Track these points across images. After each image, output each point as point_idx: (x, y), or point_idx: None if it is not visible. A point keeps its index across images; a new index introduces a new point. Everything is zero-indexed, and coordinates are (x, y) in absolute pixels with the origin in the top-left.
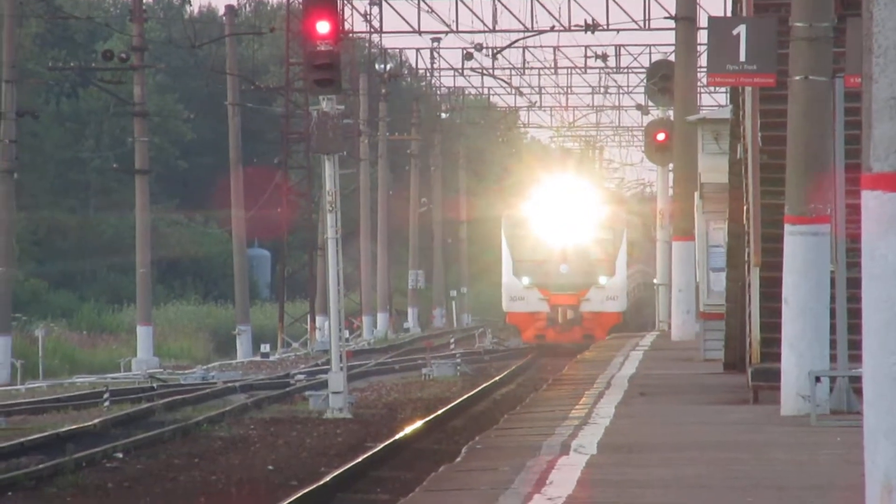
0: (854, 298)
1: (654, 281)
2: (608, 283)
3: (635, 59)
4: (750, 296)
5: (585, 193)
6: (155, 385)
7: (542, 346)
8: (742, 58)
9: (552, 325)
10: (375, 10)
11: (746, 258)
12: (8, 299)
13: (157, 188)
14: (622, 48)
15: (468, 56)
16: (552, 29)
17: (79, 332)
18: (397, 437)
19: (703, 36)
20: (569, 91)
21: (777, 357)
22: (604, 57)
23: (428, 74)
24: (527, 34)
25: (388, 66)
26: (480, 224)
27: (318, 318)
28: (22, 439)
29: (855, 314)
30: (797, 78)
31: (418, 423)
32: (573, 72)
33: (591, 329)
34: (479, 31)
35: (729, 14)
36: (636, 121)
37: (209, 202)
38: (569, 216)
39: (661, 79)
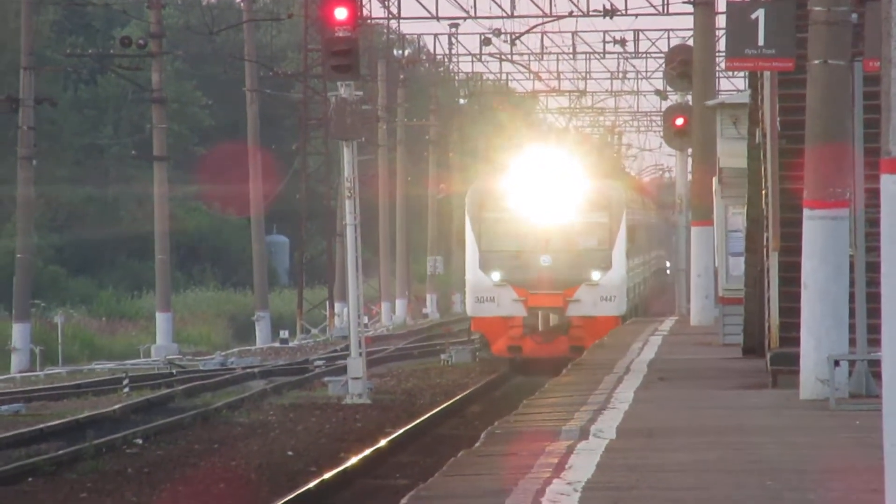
0: (873, 282)
1: (667, 264)
2: (603, 280)
3: (654, 43)
4: (769, 280)
5: (573, 164)
6: (174, 371)
7: (516, 362)
8: (760, 42)
9: (530, 333)
10: None
11: (765, 243)
12: (27, 286)
13: (176, 175)
14: (641, 33)
15: (486, 42)
16: (570, 14)
17: (98, 319)
18: (416, 422)
19: (721, 20)
20: (587, 76)
21: (796, 341)
22: (622, 42)
23: (446, 60)
24: (545, 19)
25: (407, 52)
26: None
27: (337, 305)
28: (42, 425)
29: (874, 298)
30: (816, 62)
31: (437, 409)
32: (591, 57)
33: (580, 338)
34: (498, 17)
35: None
36: (655, 106)
37: (227, 189)
38: (552, 193)
39: (680, 63)
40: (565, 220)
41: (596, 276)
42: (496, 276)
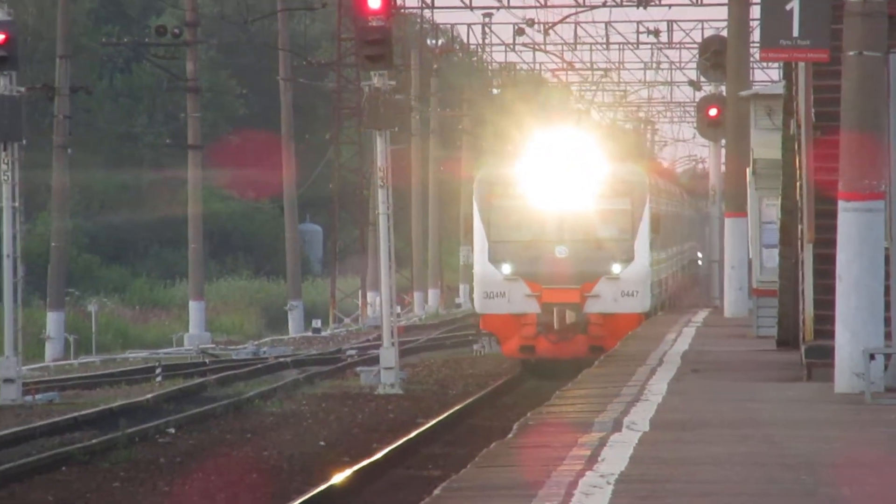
0: None
1: (699, 255)
2: (624, 273)
3: (687, 34)
4: (803, 272)
5: (591, 145)
6: (207, 360)
7: (529, 364)
8: (795, 33)
9: (544, 332)
10: None
11: (800, 234)
12: (62, 274)
13: (210, 164)
14: (674, 23)
15: (520, 31)
16: (604, 4)
17: (131, 308)
18: (449, 413)
19: (755, 11)
20: (621, 67)
21: (831, 334)
22: (656, 32)
23: (479, 50)
24: (579, 9)
25: (440, 42)
26: None
27: (370, 294)
28: (75, 414)
29: None
30: (851, 53)
31: (469, 399)
32: (625, 47)
33: (599, 338)
34: (531, 7)
35: None
36: (688, 96)
37: (261, 177)
38: (568, 177)
39: (714, 54)
40: (582, 207)
41: (617, 268)
42: (507, 269)
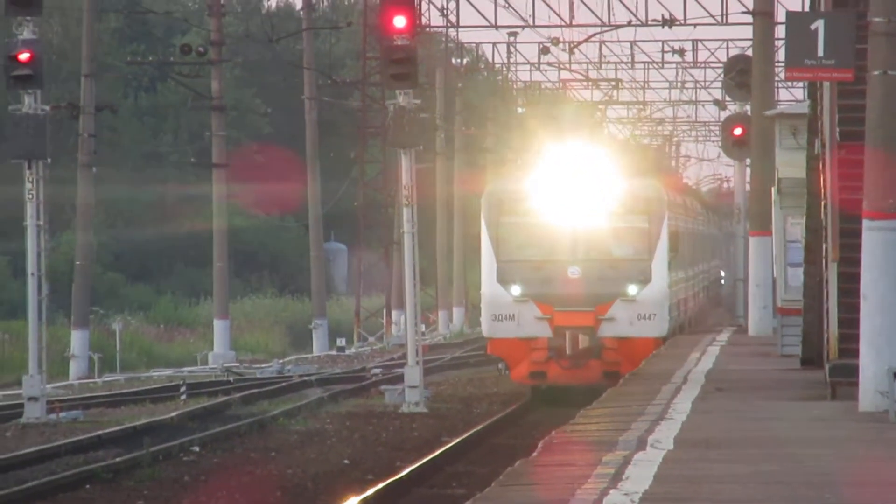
0: None
1: (721, 273)
2: (641, 295)
3: (712, 53)
4: (828, 291)
5: (606, 160)
6: (231, 379)
7: (539, 390)
8: (820, 52)
9: (556, 357)
10: (452, 4)
11: (824, 253)
12: (87, 293)
13: (235, 182)
14: (699, 43)
15: (545, 50)
16: (629, 23)
17: (156, 326)
18: (473, 431)
19: (780, 31)
20: (646, 86)
21: (855, 353)
22: (681, 52)
23: (504, 69)
24: (604, 28)
25: (465, 61)
26: None
27: (394, 313)
28: (99, 432)
29: None
30: (875, 73)
31: (494, 418)
32: (650, 66)
33: (614, 363)
34: (556, 26)
35: (807, 9)
36: (713, 116)
37: (286, 196)
38: (581, 193)
39: (739, 73)
40: (597, 225)
41: (633, 290)
42: (516, 290)
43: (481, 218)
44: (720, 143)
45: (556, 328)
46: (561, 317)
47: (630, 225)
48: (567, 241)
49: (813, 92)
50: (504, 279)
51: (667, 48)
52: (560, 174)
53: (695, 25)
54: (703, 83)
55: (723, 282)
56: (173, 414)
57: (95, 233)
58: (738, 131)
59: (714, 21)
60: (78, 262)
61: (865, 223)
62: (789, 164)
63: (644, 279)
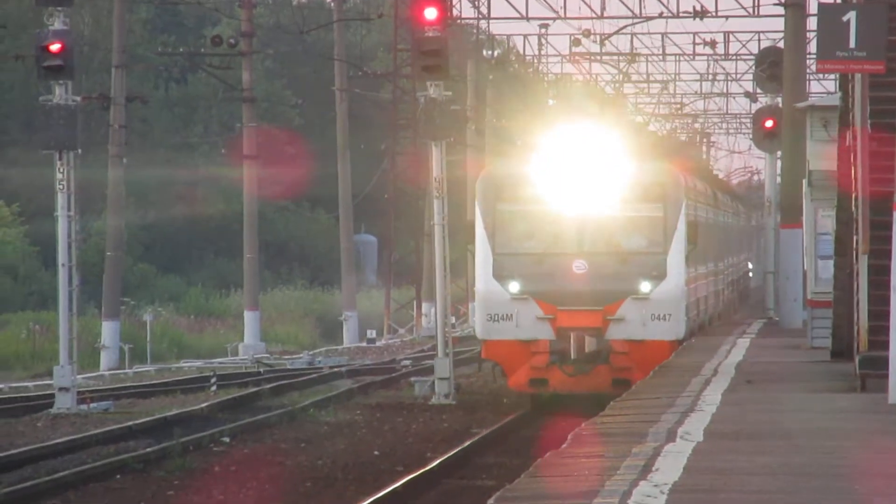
0: None
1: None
2: (655, 293)
3: (744, 45)
4: (858, 283)
5: (615, 142)
6: (261, 370)
7: (540, 400)
8: (851, 44)
9: (559, 362)
10: None
11: (855, 246)
12: (117, 284)
13: (265, 173)
14: (731, 35)
15: (576, 42)
16: (660, 15)
17: (186, 317)
18: (502, 423)
19: (812, 22)
20: (677, 78)
21: (885, 345)
22: (712, 44)
23: (535, 61)
24: (635, 20)
25: (496, 53)
26: None
27: (425, 305)
28: (130, 423)
29: None
30: None
31: (523, 410)
32: (681, 59)
33: (624, 369)
34: (587, 18)
35: (839, 0)
36: (744, 108)
37: (316, 187)
38: (588, 178)
39: (770, 66)
40: (605, 214)
41: (646, 287)
42: (514, 286)
43: (476, 205)
44: (751, 136)
45: (560, 330)
46: (565, 317)
47: (643, 213)
48: (572, 232)
49: (844, 84)
50: (501, 274)
51: (698, 40)
52: (565, 156)
53: (726, 17)
54: (734, 75)
55: (751, 274)
56: (204, 405)
57: (126, 224)
58: (769, 123)
59: (746, 13)
60: (109, 253)
61: None
62: (820, 156)
63: (658, 275)
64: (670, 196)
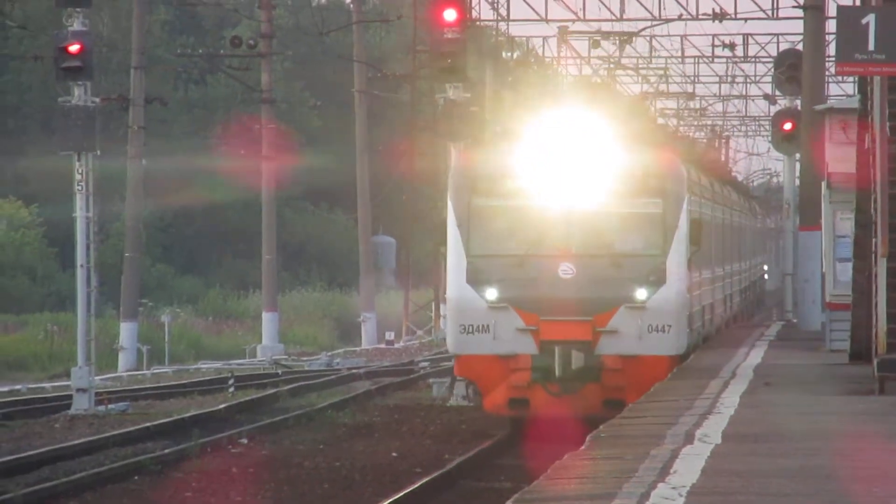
0: None
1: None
2: (653, 301)
3: (763, 48)
4: (877, 286)
5: (607, 129)
6: (280, 371)
7: (521, 422)
8: (871, 47)
9: (543, 380)
10: None
11: (874, 248)
12: (135, 285)
13: (283, 175)
14: (750, 37)
15: (595, 44)
16: (680, 17)
17: (204, 318)
18: (520, 425)
19: (831, 25)
20: (696, 80)
21: None
22: (731, 46)
23: (554, 62)
24: (654, 22)
25: (515, 54)
26: None
27: (443, 306)
28: (148, 424)
29: None
30: None
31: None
32: (700, 61)
33: (617, 388)
34: (607, 20)
35: (858, 3)
36: (763, 110)
37: (335, 189)
38: (576, 169)
39: (789, 68)
40: (596, 210)
41: (642, 294)
42: (491, 293)
43: (447, 200)
44: (770, 138)
45: (543, 343)
46: (549, 329)
47: (639, 210)
48: (558, 231)
49: (863, 86)
50: (476, 279)
51: (717, 42)
52: (550, 144)
53: (745, 20)
54: (753, 78)
55: (766, 276)
56: (221, 406)
57: (144, 225)
58: (787, 126)
59: (765, 15)
60: (127, 254)
61: None
62: (839, 159)
63: (656, 280)
64: (671, 190)
